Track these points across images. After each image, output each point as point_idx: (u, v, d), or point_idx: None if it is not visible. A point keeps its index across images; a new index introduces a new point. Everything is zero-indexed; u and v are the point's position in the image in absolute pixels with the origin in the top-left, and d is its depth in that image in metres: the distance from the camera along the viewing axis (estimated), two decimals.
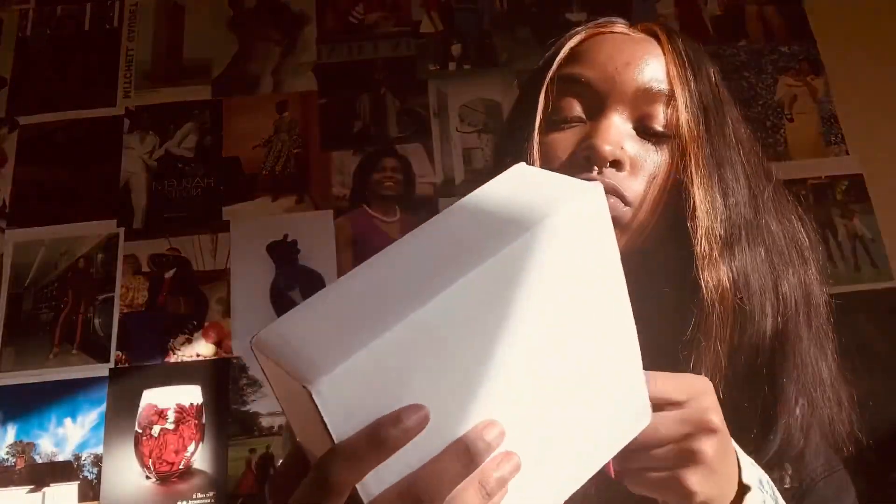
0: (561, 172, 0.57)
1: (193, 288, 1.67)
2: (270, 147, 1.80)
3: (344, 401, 0.34)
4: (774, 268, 0.60)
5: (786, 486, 0.60)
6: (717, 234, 0.57)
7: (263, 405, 1.56)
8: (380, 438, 0.34)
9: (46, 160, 1.80)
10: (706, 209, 0.57)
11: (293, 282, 1.67)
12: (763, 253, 0.60)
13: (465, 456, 0.37)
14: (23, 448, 1.54)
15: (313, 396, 0.33)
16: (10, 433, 1.55)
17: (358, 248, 1.69)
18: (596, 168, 0.57)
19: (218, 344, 1.62)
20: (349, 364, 0.33)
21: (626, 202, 0.58)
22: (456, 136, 1.79)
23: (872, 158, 1.75)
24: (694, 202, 0.57)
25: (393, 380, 0.35)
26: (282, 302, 1.65)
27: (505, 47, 1.87)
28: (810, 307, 0.62)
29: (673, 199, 0.59)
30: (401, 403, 0.35)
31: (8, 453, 1.54)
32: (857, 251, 1.68)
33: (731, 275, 0.57)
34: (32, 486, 1.51)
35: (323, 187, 1.76)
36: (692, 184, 0.58)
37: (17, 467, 1.53)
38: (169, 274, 1.68)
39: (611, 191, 0.57)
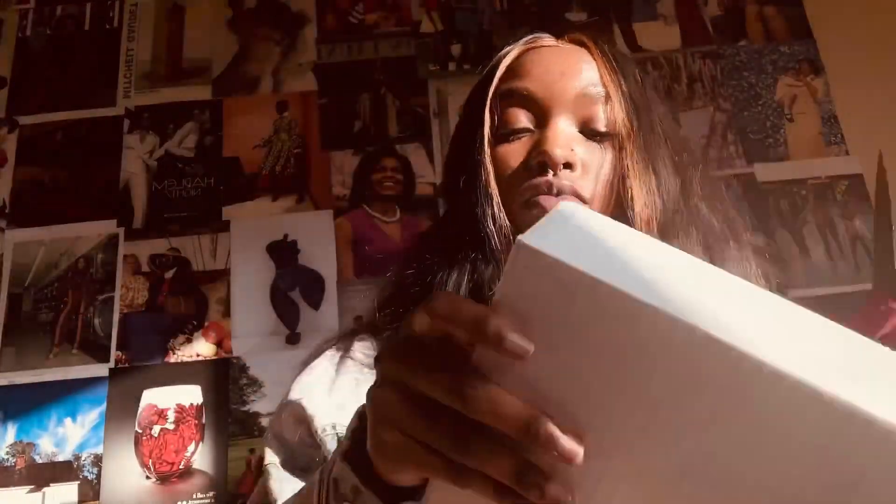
0: (516, 180, 0.64)
1: (193, 288, 1.67)
2: (270, 147, 1.80)
3: (527, 284, 0.32)
4: (710, 249, 0.65)
5: None
6: (655, 220, 0.63)
7: (263, 405, 1.56)
8: (493, 334, 0.32)
9: (46, 160, 1.80)
10: (643, 199, 0.63)
11: (293, 282, 1.67)
12: (697, 236, 0.65)
13: (526, 428, 0.32)
14: (23, 448, 1.54)
15: (513, 250, 0.32)
16: (10, 433, 1.55)
17: (358, 248, 1.69)
18: (551, 171, 0.62)
19: (218, 344, 1.62)
20: (564, 268, 0.31)
21: (583, 200, 0.63)
22: None
23: (872, 158, 1.74)
24: (632, 192, 0.63)
25: (569, 323, 0.31)
26: (282, 302, 1.65)
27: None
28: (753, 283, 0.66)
29: (619, 192, 0.65)
30: (548, 344, 0.32)
31: (8, 453, 1.54)
32: (857, 251, 1.68)
33: None
34: (32, 486, 1.51)
35: (323, 187, 1.75)
36: (630, 175, 0.64)
37: (17, 467, 1.53)
38: (169, 274, 1.68)
39: (569, 191, 0.62)
